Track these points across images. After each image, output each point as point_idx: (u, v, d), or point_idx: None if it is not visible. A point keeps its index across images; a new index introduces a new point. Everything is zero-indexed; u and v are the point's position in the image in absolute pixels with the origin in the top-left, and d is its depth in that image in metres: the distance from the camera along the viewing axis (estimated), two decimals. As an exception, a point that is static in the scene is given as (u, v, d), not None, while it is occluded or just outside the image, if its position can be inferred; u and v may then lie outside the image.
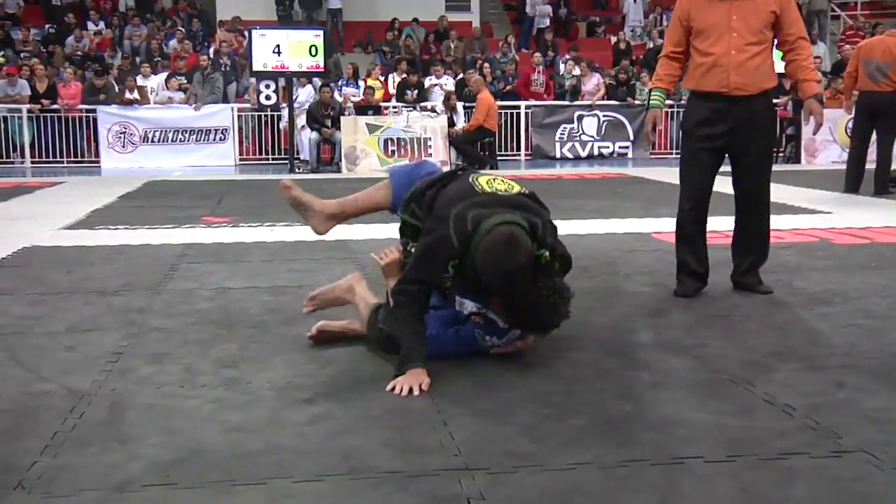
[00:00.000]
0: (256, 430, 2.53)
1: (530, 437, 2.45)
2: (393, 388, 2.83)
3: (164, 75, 14.23)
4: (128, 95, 13.51)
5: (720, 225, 6.56)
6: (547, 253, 2.95)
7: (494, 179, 3.15)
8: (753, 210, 4.33)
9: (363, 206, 3.47)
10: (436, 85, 14.23)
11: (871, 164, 8.83)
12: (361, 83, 14.33)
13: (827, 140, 13.25)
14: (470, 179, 3.13)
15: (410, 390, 2.80)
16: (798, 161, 12.95)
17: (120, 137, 13.39)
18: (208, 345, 3.45)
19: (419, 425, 2.56)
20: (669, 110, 14.61)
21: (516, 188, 3.12)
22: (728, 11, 4.10)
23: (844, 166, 9.15)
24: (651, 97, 4.33)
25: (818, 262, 5.10)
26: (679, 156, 4.47)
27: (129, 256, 5.46)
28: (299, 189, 3.50)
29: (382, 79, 14.77)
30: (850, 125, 9.16)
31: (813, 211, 7.47)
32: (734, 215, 4.36)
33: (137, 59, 15.60)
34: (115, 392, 2.87)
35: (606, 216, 6.99)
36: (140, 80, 13.87)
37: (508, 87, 14.62)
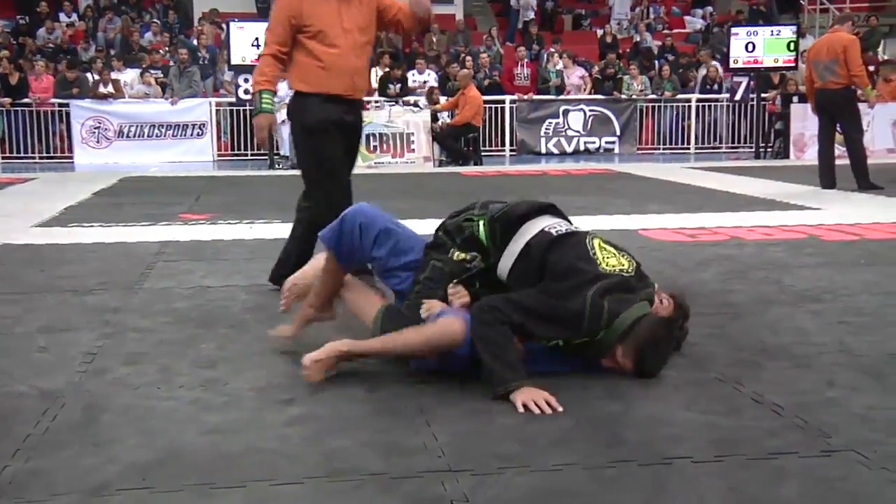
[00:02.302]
0: (235, 431, 2.52)
1: (516, 438, 2.46)
2: (525, 408, 2.65)
3: (139, 69, 14.16)
4: (102, 89, 13.43)
5: (708, 222, 6.61)
6: None
7: (607, 249, 3.05)
8: None
9: (329, 283, 3.31)
10: (418, 88, 14.06)
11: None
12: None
13: (815, 135, 13.30)
14: (587, 244, 3.03)
15: (547, 405, 2.66)
16: (787, 156, 13.03)
17: (94, 132, 13.31)
18: (186, 345, 3.43)
19: (402, 426, 2.56)
20: (656, 105, 14.69)
21: (630, 263, 3.06)
22: (338, 11, 4.02)
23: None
24: (262, 100, 4.07)
25: (807, 259, 5.14)
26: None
27: (104, 254, 5.43)
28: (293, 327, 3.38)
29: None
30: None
31: (801, 207, 7.52)
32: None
33: (112, 52, 15.51)
34: (89, 393, 2.85)
35: (593, 213, 7.01)
36: (114, 74, 13.78)
37: (489, 81, 14.61)
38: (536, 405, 2.65)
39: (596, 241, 3.08)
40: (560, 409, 2.65)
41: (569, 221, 3.22)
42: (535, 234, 3.07)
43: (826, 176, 9.00)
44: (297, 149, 4.40)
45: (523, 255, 3.05)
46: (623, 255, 3.09)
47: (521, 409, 2.64)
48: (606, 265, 2.98)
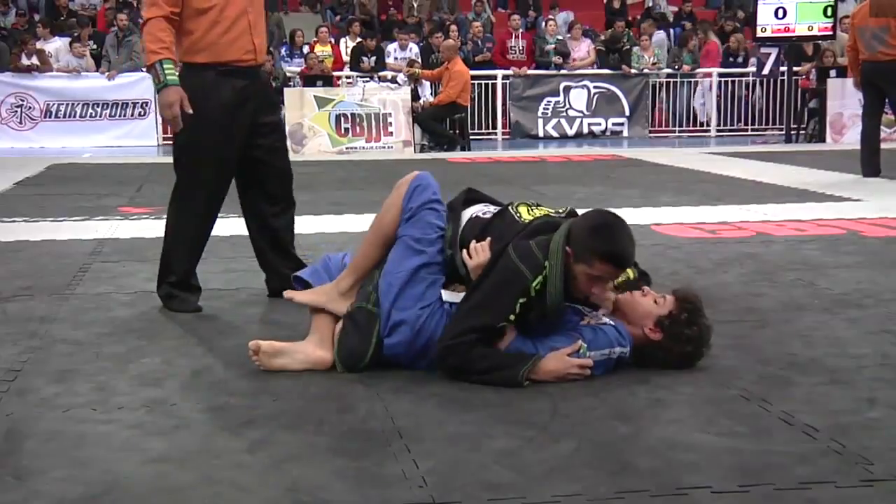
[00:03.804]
0: (185, 459, 2.52)
1: (508, 465, 2.46)
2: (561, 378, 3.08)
3: (68, 38, 14.08)
4: (25, 61, 13.34)
5: (730, 215, 6.65)
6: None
7: (536, 207, 3.40)
8: None
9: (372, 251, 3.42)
10: (400, 71, 13.88)
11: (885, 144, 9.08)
12: (307, 49, 14.26)
13: (857, 115, 13.35)
14: (512, 213, 3.36)
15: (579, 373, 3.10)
16: (822, 140, 13.11)
17: (16, 112, 13.25)
18: (126, 359, 3.42)
19: (377, 452, 2.56)
20: (669, 81, 14.75)
21: (562, 210, 3.40)
22: None
23: None
24: (166, 72, 3.94)
25: (845, 259, 5.17)
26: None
27: (28, 255, 5.41)
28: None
29: (332, 41, 14.71)
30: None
31: (839, 198, 7.57)
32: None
33: (36, 18, 15.43)
34: (10, 417, 2.84)
35: (599, 205, 7.00)
36: (39, 44, 13.71)
37: (480, 57, 14.61)
38: (570, 375, 3.08)
39: (521, 207, 3.38)
40: (591, 364, 3.09)
41: (493, 202, 3.51)
42: (465, 225, 3.36)
43: (869, 162, 9.01)
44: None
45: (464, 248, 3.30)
46: (554, 211, 3.40)
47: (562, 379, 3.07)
48: (529, 215, 3.33)
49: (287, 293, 3.49)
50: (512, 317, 3.10)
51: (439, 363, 3.16)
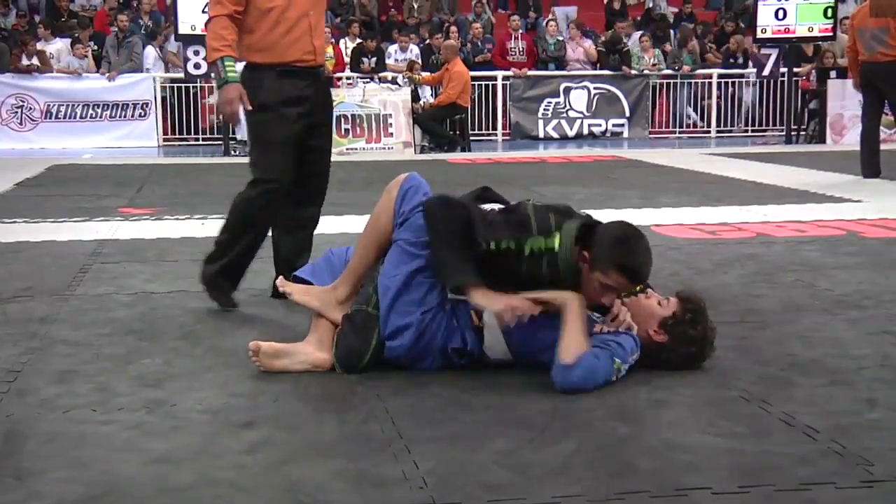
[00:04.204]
0: (184, 460, 2.52)
1: (508, 466, 2.47)
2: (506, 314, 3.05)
3: (69, 39, 14.08)
4: (25, 62, 13.35)
5: (730, 216, 6.65)
6: None
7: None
8: None
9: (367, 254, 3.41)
10: (400, 72, 13.84)
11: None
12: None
13: (857, 116, 13.35)
14: (525, 202, 3.33)
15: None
16: (823, 141, 13.11)
17: (16, 113, 13.24)
18: (126, 360, 3.42)
19: (377, 453, 2.56)
20: (670, 81, 14.75)
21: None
22: None
23: None
24: (227, 68, 3.98)
25: (846, 260, 5.18)
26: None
27: (29, 255, 5.41)
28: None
29: (333, 42, 14.72)
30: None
31: (839, 199, 7.58)
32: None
33: (37, 18, 15.43)
34: (11, 418, 2.84)
35: (598, 206, 7.02)
36: (40, 44, 13.71)
37: (480, 58, 14.62)
38: (516, 310, 3.03)
39: (530, 203, 3.37)
40: (538, 309, 3.06)
41: (506, 203, 3.48)
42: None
43: (869, 163, 9.02)
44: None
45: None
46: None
47: (504, 317, 3.04)
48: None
49: (280, 281, 3.50)
50: (504, 244, 3.12)
51: (429, 202, 3.23)
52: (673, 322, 3.21)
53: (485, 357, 3.24)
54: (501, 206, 3.34)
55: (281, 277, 3.59)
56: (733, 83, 14.88)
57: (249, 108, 3.97)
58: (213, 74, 4.08)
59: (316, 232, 4.77)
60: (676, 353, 3.22)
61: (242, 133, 12.88)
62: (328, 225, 6.10)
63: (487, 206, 3.41)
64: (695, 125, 15.01)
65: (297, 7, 4.07)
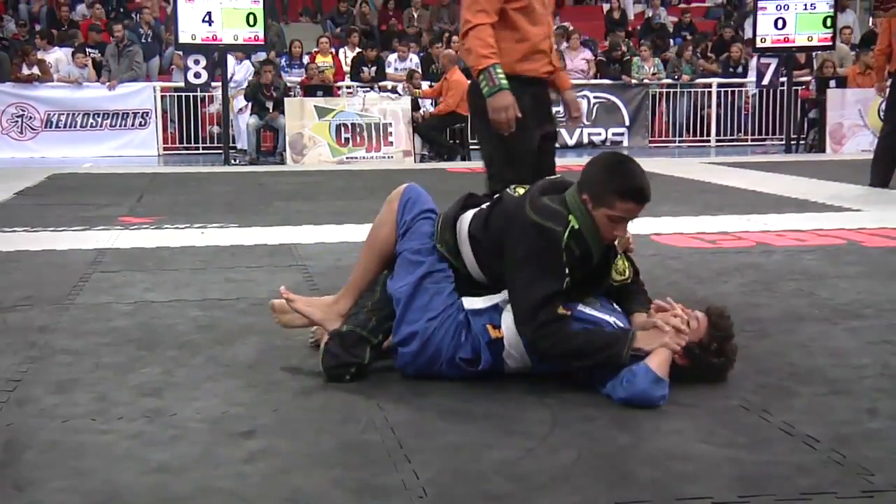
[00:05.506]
0: (184, 470, 2.52)
1: (508, 475, 2.46)
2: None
3: (70, 48, 14.11)
4: (25, 71, 13.37)
5: (730, 225, 6.65)
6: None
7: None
8: None
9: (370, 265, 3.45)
10: (400, 81, 13.90)
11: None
12: (307, 59, 14.27)
13: (856, 125, 13.44)
14: (508, 192, 3.33)
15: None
16: (822, 150, 13.12)
17: (16, 122, 13.27)
18: (126, 369, 3.42)
19: (377, 462, 2.56)
20: (670, 91, 14.77)
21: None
22: None
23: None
24: (499, 76, 3.96)
25: (846, 269, 5.18)
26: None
27: (29, 264, 5.41)
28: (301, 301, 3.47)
29: (333, 52, 14.75)
30: (884, 107, 9.31)
31: (839, 208, 7.57)
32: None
33: (37, 28, 15.45)
34: (11, 427, 2.84)
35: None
36: (40, 54, 13.73)
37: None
38: (676, 344, 3.02)
39: (518, 189, 3.34)
40: (700, 315, 3.13)
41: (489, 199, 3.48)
42: (471, 223, 3.33)
43: (881, 173, 8.87)
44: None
45: (476, 247, 3.29)
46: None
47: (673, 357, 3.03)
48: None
49: (283, 290, 3.51)
50: (567, 273, 3.04)
51: (532, 349, 3.09)
52: (700, 351, 3.13)
53: (502, 367, 3.21)
54: (529, 251, 3.09)
55: (284, 286, 3.58)
56: (733, 92, 14.90)
57: (520, 115, 3.95)
58: (483, 81, 3.99)
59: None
60: (694, 373, 3.15)
61: (243, 142, 12.92)
62: (328, 234, 6.13)
63: (475, 210, 3.39)
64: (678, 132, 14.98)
65: (542, 26, 4.11)
